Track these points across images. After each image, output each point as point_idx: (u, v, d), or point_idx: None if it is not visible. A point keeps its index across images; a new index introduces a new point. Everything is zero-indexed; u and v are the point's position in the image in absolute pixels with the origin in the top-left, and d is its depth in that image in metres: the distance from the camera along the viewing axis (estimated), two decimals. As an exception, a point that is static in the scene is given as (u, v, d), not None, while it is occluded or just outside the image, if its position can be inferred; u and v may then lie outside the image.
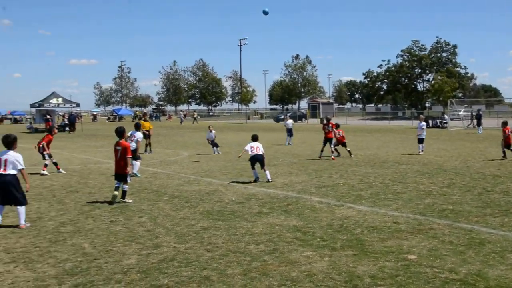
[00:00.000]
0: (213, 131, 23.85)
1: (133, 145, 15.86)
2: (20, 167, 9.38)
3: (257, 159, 14.29)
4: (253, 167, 14.39)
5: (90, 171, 17.14)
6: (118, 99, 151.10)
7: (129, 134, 15.55)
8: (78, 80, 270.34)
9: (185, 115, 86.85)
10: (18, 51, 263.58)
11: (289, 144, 27.83)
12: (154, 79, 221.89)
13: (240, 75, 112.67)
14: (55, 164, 16.95)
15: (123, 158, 11.38)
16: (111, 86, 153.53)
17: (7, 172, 9.20)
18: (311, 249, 7.50)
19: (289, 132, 28.54)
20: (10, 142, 9.54)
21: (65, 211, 10.63)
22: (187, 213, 10.22)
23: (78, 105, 55.72)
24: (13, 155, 9.39)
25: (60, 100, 52.29)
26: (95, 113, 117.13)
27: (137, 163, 15.70)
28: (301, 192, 12.49)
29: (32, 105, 54.59)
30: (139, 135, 16.23)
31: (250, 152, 14.39)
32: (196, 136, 37.56)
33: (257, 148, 14.44)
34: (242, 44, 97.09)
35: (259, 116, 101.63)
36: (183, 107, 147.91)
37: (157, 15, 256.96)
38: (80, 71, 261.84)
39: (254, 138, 14.84)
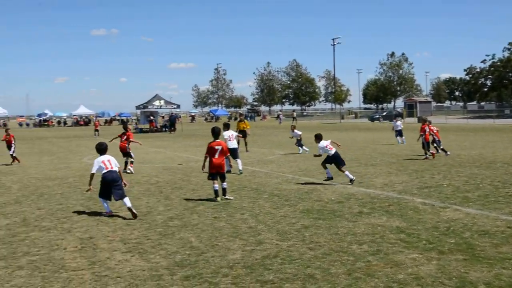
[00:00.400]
0: (297, 131, 24.08)
1: (234, 144, 16.34)
2: (118, 166, 10.71)
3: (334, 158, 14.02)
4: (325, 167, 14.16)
5: (192, 169, 17.76)
6: (215, 100, 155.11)
7: (225, 136, 16.17)
8: (177, 83, 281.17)
9: (278, 116, 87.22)
10: (124, 57, 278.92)
11: (402, 143, 27.08)
12: (249, 80, 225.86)
13: (334, 75, 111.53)
14: (126, 163, 17.51)
15: (222, 157, 11.72)
16: (208, 88, 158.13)
17: (114, 169, 10.43)
18: (417, 251, 7.33)
19: (399, 132, 27.72)
20: (104, 149, 11.04)
21: (172, 206, 11.12)
22: (287, 211, 10.34)
23: (178, 106, 57.88)
24: (111, 157, 10.81)
25: (162, 102, 54.63)
26: (193, 114, 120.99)
27: (239, 161, 16.39)
28: (402, 192, 12.21)
29: (137, 107, 57.51)
30: (231, 132, 16.92)
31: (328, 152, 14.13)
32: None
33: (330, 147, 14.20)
34: (335, 43, 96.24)
35: (353, 115, 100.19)
36: (277, 107, 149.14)
37: (250, 17, 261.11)
38: (179, 74, 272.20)
39: (319, 137, 14.60)
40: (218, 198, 11.51)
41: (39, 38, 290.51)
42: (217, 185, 11.56)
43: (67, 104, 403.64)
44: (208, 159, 11.73)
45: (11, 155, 20.32)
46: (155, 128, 53.35)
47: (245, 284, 6.14)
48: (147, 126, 55.34)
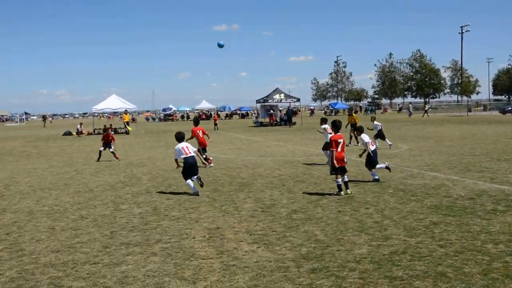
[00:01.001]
0: (377, 122, 23.26)
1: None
2: (194, 150, 12.81)
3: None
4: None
5: (313, 163, 17.73)
6: (334, 93, 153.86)
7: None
8: (296, 76, 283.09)
9: (404, 108, 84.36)
10: (244, 52, 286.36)
11: None
12: (369, 73, 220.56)
13: (461, 65, 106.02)
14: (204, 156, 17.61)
15: (343, 150, 11.55)
16: (327, 81, 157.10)
17: (192, 154, 12.41)
18: (562, 252, 6.73)
19: None
20: (182, 137, 12.82)
21: (295, 199, 11.16)
22: (414, 206, 9.96)
23: (298, 100, 58.10)
24: (188, 144, 12.75)
25: (282, 95, 55.14)
26: (312, 107, 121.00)
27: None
28: (541, 190, 11.31)
29: (257, 101, 58.56)
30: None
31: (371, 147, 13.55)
32: (413, 129, 36.43)
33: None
34: (463, 31, 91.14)
35: (482, 107, 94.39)
36: (399, 100, 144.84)
37: (371, 8, 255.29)
38: (298, 68, 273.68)
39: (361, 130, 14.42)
40: (342, 193, 11.36)
41: (164, 37, 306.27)
42: (340, 179, 11.41)
43: (190, 98, 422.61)
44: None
45: (112, 152, 21.43)
46: (275, 122, 53.99)
47: (373, 279, 5.99)
48: (267, 120, 56.19)
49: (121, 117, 63.45)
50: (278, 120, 55.97)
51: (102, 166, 18.33)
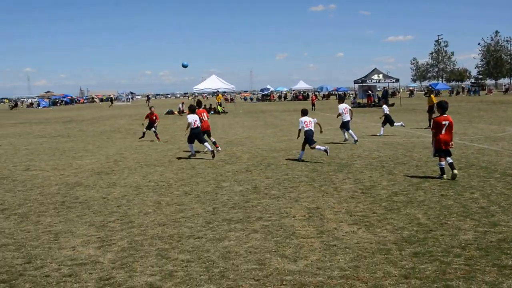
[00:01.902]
0: (384, 106, 22.24)
1: (348, 117, 18.64)
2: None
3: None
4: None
5: (414, 145, 17.25)
6: (434, 74, 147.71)
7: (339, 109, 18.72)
8: (394, 56, 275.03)
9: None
10: (341, 32, 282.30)
11: None
12: (473, 52, 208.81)
13: None
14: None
15: (449, 132, 11.07)
16: (427, 61, 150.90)
17: (198, 125, 15.58)
18: None
19: None
20: (194, 109, 16.23)
21: (395, 181, 10.94)
22: (525, 193, 9.45)
23: (397, 80, 56.42)
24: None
25: (380, 76, 53.83)
26: (411, 88, 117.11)
27: (351, 132, 18.36)
28: None
29: (355, 82, 57.61)
30: (346, 105, 19.03)
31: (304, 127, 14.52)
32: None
33: (310, 122, 14.62)
34: None
35: None
36: (505, 80, 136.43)
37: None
38: (397, 48, 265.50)
39: (304, 113, 15.00)
40: (445, 176, 10.96)
41: (261, 18, 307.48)
42: (443, 162, 11.01)
43: (287, 79, 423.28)
44: (435, 135, 11.15)
45: (154, 131, 21.86)
46: (373, 103, 52.87)
47: (480, 266, 5.78)
48: (364, 100, 55.17)
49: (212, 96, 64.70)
50: (376, 101, 54.71)
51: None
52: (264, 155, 15.92)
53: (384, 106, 22.48)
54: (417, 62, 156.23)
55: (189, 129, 15.60)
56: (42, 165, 15.37)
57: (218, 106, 47.90)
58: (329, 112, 41.83)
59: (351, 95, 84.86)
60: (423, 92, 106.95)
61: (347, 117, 18.75)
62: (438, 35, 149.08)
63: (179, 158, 15.78)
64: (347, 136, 18.78)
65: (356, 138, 18.22)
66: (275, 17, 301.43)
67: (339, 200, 9.35)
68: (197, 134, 15.71)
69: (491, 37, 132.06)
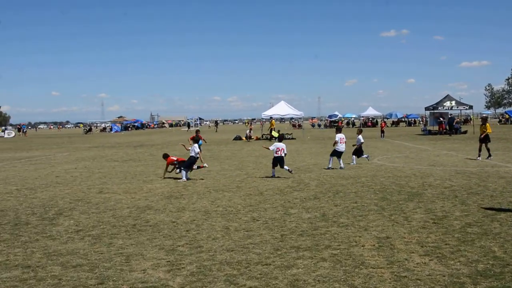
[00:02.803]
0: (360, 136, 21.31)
1: (343, 147, 19.74)
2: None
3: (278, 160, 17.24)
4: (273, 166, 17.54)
5: (488, 174, 16.62)
6: (511, 100, 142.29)
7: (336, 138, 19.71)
8: (468, 82, 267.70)
9: None
10: (413, 58, 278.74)
11: None
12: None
13: None
14: None
15: None
16: (503, 86, 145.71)
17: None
18: None
19: None
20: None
21: (469, 212, 10.57)
22: None
23: (471, 107, 54.72)
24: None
25: (453, 103, 52.42)
26: (485, 115, 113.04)
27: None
28: None
29: (426, 108, 56.37)
30: (342, 135, 19.94)
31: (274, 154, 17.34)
32: None
33: (282, 149, 17.36)
34: None
35: None
36: None
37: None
38: (470, 74, 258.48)
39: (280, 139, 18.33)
40: None
41: (330, 43, 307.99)
42: None
43: (356, 105, 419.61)
44: None
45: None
46: (445, 130, 51.43)
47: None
48: (435, 128, 53.77)
49: (261, 124, 64.90)
50: (448, 128, 53.17)
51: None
52: (332, 182, 15.80)
53: (360, 136, 21.76)
54: (492, 89, 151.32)
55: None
56: (115, 188, 15.92)
57: (273, 132, 47.65)
58: (398, 140, 41.05)
59: (421, 122, 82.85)
60: (497, 120, 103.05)
61: (342, 147, 19.71)
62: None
63: (246, 184, 15.92)
64: (331, 165, 19.87)
65: (342, 166, 19.50)
66: (344, 43, 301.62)
67: (409, 230, 9.13)
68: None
69: None
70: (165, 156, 18.84)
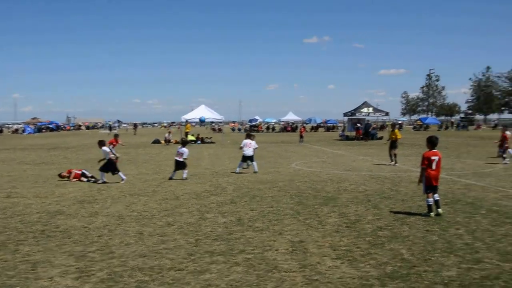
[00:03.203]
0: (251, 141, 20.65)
1: (250, 152, 19.93)
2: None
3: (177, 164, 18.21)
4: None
5: (400, 179, 17.25)
6: (424, 108, 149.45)
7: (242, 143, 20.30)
8: (385, 89, 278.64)
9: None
10: (334, 65, 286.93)
11: None
12: (463, 87, 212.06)
13: None
14: None
15: (439, 168, 11.04)
16: (418, 94, 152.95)
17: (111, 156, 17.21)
18: None
19: None
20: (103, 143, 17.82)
21: (381, 216, 10.88)
22: (509, 230, 9.41)
23: (387, 114, 56.94)
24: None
25: (370, 109, 54.39)
26: (400, 122, 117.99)
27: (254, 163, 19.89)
28: None
29: (345, 114, 58.05)
30: (250, 141, 20.41)
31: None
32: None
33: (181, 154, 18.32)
34: None
35: None
36: (494, 116, 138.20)
37: (471, 16, 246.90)
38: (388, 81, 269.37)
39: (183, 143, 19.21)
40: (432, 214, 10.73)
41: (252, 47, 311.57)
42: (431, 199, 10.85)
43: (276, 110, 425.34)
44: (423, 171, 10.99)
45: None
46: (361, 136, 53.09)
47: (463, 304, 5.70)
48: (353, 133, 55.43)
49: (178, 127, 64.60)
50: (364, 134, 54.93)
51: (188, 175, 18.80)
52: (249, 186, 15.82)
53: (246, 141, 21.12)
54: (408, 96, 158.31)
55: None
56: (24, 192, 15.15)
57: (190, 136, 46.83)
58: (317, 145, 41.95)
59: (339, 128, 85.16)
60: (412, 126, 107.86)
61: (249, 151, 20.05)
62: (430, 69, 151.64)
63: (163, 188, 15.64)
64: (242, 168, 20.23)
65: (256, 170, 19.72)
66: (267, 48, 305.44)
67: (323, 234, 9.26)
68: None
69: (482, 73, 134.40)
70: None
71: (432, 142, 11.24)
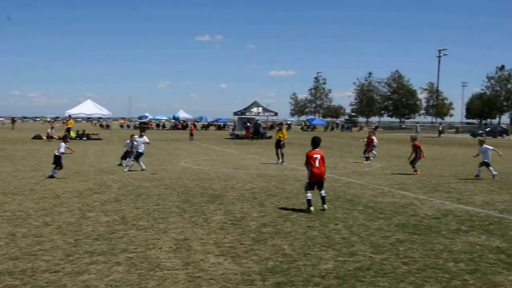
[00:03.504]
0: (140, 139, 20.22)
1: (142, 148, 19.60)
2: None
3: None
4: None
5: (286, 177, 17.73)
6: (312, 109, 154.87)
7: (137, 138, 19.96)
8: (276, 90, 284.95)
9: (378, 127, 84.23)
10: (226, 64, 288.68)
11: None
12: (348, 90, 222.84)
13: (437, 87, 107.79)
14: None
15: (322, 165, 11.49)
16: (306, 96, 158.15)
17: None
18: (519, 273, 6.82)
19: None
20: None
21: (265, 213, 11.10)
22: (382, 224, 10.01)
23: (276, 114, 58.32)
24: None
25: (260, 109, 55.38)
26: (289, 122, 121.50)
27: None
28: (504, 212, 11.52)
29: (235, 113, 58.64)
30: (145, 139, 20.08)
31: None
32: (386, 149, 36.90)
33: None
34: (441, 55, 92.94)
35: (454, 130, 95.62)
36: (375, 119, 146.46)
37: (356, 25, 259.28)
38: (279, 82, 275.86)
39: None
40: (312, 208, 11.17)
41: (144, 43, 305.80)
42: (310, 195, 11.33)
43: (168, 108, 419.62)
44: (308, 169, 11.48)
45: None
46: (251, 135, 53.95)
47: (338, 296, 5.96)
48: (243, 132, 56.19)
49: (63, 122, 62.37)
50: (254, 133, 55.90)
51: (71, 172, 18.02)
52: (135, 184, 15.48)
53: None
54: (297, 97, 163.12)
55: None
56: None
57: (71, 132, 45.01)
58: (207, 143, 42.04)
59: (230, 127, 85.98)
60: (300, 127, 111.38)
61: (142, 148, 19.76)
62: (317, 72, 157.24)
63: (42, 186, 14.84)
64: (143, 166, 19.65)
65: (144, 168, 19.43)
66: (159, 44, 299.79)
67: (208, 231, 9.27)
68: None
69: (365, 78, 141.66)
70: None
71: (315, 142, 11.78)
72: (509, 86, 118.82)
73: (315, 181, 11.38)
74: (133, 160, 19.58)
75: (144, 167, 19.31)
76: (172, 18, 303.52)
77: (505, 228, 9.78)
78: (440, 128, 72.85)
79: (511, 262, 7.40)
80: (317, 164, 11.36)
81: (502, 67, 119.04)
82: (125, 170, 19.14)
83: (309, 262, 7.34)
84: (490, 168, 18.12)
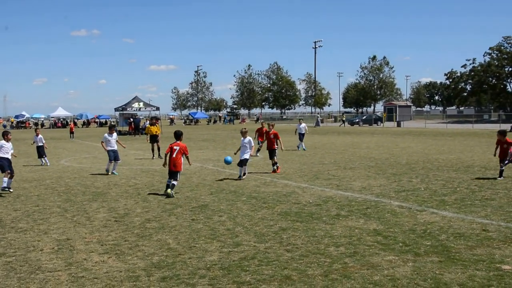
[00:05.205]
0: (40, 136, 21.49)
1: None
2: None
3: None
4: None
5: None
6: (194, 103, 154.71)
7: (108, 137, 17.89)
8: (157, 85, 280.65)
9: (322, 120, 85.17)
10: (104, 59, 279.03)
11: (303, 149, 26.97)
12: (229, 83, 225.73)
13: (315, 78, 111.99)
14: None
15: (180, 156, 12.81)
16: (188, 90, 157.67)
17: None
18: (393, 253, 7.42)
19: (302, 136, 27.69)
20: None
21: (150, 208, 11.08)
22: (265, 213, 10.37)
23: (158, 108, 57.60)
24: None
25: (141, 104, 54.37)
26: (172, 116, 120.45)
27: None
28: (380, 196, 12.35)
29: (116, 109, 57.16)
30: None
31: None
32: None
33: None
34: (317, 46, 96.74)
35: (333, 119, 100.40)
36: (256, 110, 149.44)
37: (234, 18, 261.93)
38: (159, 77, 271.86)
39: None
40: (169, 191, 12.47)
41: (18, 39, 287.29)
42: (171, 180, 12.61)
43: (46, 105, 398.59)
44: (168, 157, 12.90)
45: None
46: (133, 131, 52.92)
47: (222, 285, 6.16)
48: (126, 128, 54.99)
49: None
50: (135, 129, 54.88)
51: None
52: (13, 185, 14.62)
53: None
54: (178, 91, 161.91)
55: None
56: None
57: None
58: (88, 140, 40.68)
59: (112, 123, 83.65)
60: (183, 121, 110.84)
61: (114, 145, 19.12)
62: (197, 66, 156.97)
63: None
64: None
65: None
66: (34, 39, 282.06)
67: (91, 230, 9.10)
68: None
69: (245, 70, 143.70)
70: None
71: (176, 135, 13.31)
72: (381, 75, 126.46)
73: (171, 169, 12.74)
74: (110, 161, 17.63)
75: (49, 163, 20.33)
76: (47, 11, 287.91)
77: (381, 211, 10.49)
78: (320, 118, 76.40)
79: (387, 243, 7.96)
80: (174, 154, 12.77)
81: (374, 57, 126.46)
82: (115, 173, 17.30)
83: (194, 255, 7.48)
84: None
